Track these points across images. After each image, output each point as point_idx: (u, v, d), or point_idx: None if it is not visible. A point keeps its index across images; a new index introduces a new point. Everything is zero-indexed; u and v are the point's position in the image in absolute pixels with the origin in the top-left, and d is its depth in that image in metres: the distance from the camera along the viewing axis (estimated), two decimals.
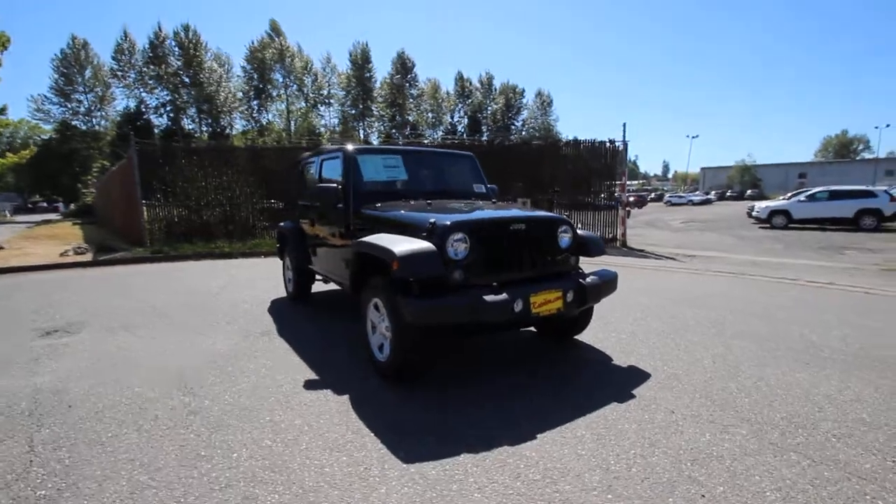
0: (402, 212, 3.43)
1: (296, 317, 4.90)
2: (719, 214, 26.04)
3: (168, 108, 42.28)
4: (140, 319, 4.92)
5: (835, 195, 16.34)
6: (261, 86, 44.17)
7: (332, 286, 5.81)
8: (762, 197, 42.43)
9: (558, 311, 3.06)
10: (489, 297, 2.70)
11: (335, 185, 3.93)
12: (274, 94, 46.00)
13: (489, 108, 62.25)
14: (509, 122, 62.82)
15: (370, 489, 1.95)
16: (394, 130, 54.90)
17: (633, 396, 2.81)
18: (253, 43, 43.65)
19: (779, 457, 2.14)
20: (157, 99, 42.11)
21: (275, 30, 44.65)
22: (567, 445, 2.27)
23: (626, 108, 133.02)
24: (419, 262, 2.74)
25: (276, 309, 5.27)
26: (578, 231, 3.51)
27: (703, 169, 68.62)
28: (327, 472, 2.09)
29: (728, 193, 53.44)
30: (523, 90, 62.83)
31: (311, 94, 49.69)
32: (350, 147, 4.10)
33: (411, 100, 57.40)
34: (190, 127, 43.46)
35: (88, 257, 10.23)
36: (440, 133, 59.80)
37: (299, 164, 5.38)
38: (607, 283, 3.36)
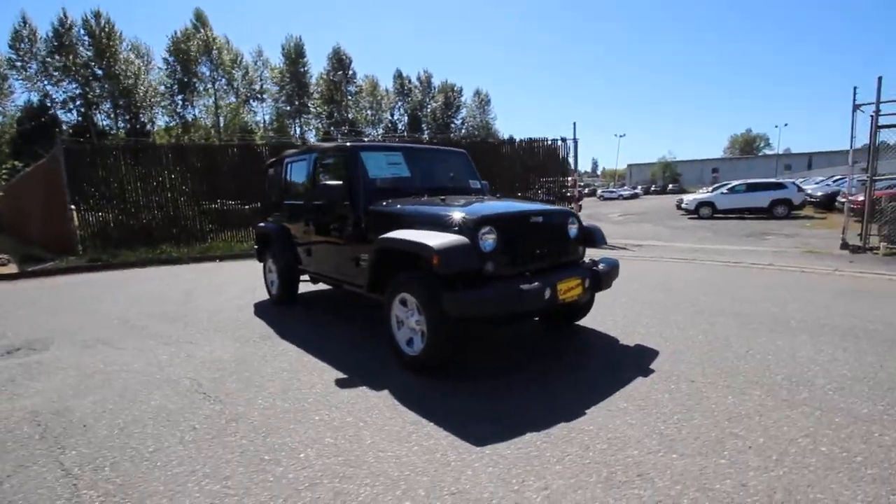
0: (426, 207, 3.47)
1: (288, 320, 4.75)
2: (649, 207, 28.10)
3: (78, 103, 38.22)
4: (113, 333, 4.54)
5: (751, 187, 18.24)
6: (185, 79, 41.13)
7: (317, 287, 5.71)
8: (682, 191, 46.25)
9: (578, 297, 3.27)
10: (525, 287, 2.84)
11: (339, 182, 3.87)
12: (200, 88, 43.04)
13: (429, 106, 62.47)
14: (449, 120, 63.44)
15: (457, 472, 2.02)
16: (332, 128, 53.54)
17: (652, 371, 3.07)
18: (176, 34, 40.54)
19: (795, 410, 2.47)
20: (64, 93, 37.95)
21: (200, 20, 41.74)
22: (616, 417, 2.47)
23: (559, 107, 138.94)
24: (458, 255, 2.82)
25: (264, 313, 5.07)
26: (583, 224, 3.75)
27: (629, 165, 73.39)
28: (406, 461, 2.12)
29: (652, 188, 57.54)
30: (461, 89, 63.72)
31: (241, 89, 47.10)
32: (351, 144, 4.06)
33: (350, 97, 56.26)
34: (104, 123, 39.62)
35: (13, 269, 9.14)
36: (380, 131, 59.18)
37: (281, 163, 5.20)
38: (614, 269, 3.62)
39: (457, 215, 3.05)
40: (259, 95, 49.54)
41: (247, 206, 12.30)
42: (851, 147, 9.26)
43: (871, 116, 8.50)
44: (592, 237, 3.79)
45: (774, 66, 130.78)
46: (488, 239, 3.01)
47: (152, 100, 39.24)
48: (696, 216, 18.68)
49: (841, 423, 2.33)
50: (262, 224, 5.50)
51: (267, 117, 51.39)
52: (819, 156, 52.00)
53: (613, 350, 3.55)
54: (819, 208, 18.82)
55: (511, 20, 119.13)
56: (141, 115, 39.00)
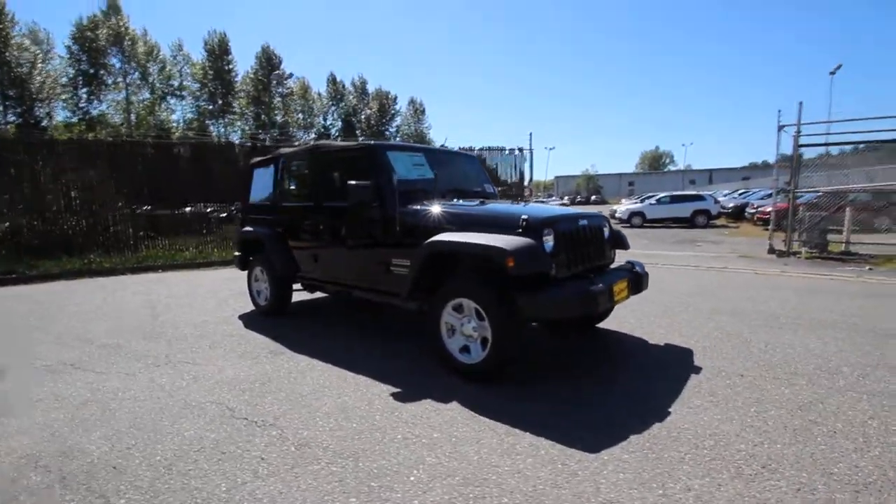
0: (478, 208, 3.36)
1: (290, 331, 4.35)
2: None
3: None
4: (81, 354, 3.89)
5: (675, 199, 20.03)
6: (92, 71, 36.71)
7: (308, 295, 5.33)
8: (604, 202, 49.70)
9: (625, 299, 3.34)
10: (595, 288, 2.84)
11: (367, 183, 3.64)
12: (109, 81, 38.66)
13: (363, 112, 61.54)
14: (383, 127, 62.89)
15: (591, 482, 1.93)
16: (259, 131, 50.80)
17: (700, 368, 3.20)
18: (81, 20, 36.09)
19: (845, 396, 2.70)
20: None
21: (112, 7, 37.54)
22: (701, 414, 2.52)
23: (492, 119, 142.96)
24: (532, 257, 2.75)
25: (257, 325, 4.61)
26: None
27: (556, 177, 77.44)
28: (530, 475, 2.00)
29: (577, 199, 61.21)
30: (396, 97, 63.45)
31: (158, 85, 43.12)
32: (375, 143, 3.84)
33: (279, 98, 53.81)
34: None
35: None
36: (312, 135, 57.23)
37: (275, 163, 4.79)
38: (646, 272, 3.75)
39: (519, 217, 2.98)
40: (178, 92, 45.71)
41: (188, 209, 11.28)
42: (776, 162, 10.48)
43: (794, 136, 9.72)
44: (622, 240, 3.90)
45: (683, 89, 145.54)
46: (549, 241, 2.98)
47: (50, 92, 34.53)
48: (628, 225, 20.10)
49: (888, 404, 2.58)
50: (248, 229, 5.01)
51: (189, 115, 47.51)
52: (718, 172, 58.48)
53: (649, 351, 3.66)
54: (730, 218, 21.11)
55: (443, 32, 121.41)
56: (36, 109, 34.16)
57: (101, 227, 9.98)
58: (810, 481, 1.90)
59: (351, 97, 61.25)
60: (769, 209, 15.75)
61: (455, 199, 3.85)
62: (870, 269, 7.50)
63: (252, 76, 50.63)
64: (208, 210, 11.80)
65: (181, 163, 11.49)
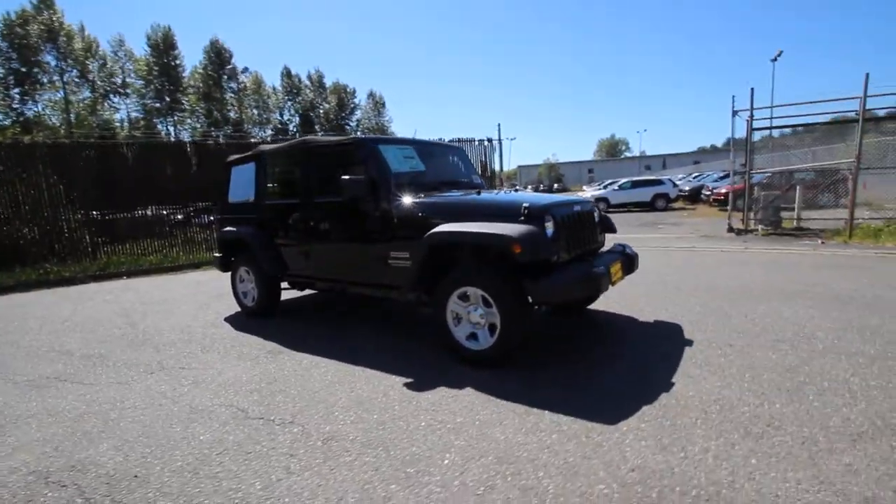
0: (477, 199, 3.41)
1: (284, 330, 4.28)
2: None
3: None
4: (64, 367, 3.69)
5: (636, 184, 20.78)
6: (24, 70, 33.99)
7: (293, 293, 5.26)
8: (565, 189, 50.87)
9: (620, 280, 3.48)
10: (597, 270, 2.96)
11: (361, 177, 3.62)
12: (45, 80, 35.95)
13: (321, 107, 60.14)
14: (343, 121, 61.73)
15: (616, 451, 2.04)
16: (212, 128, 48.79)
17: (691, 340, 3.40)
18: (9, 15, 33.22)
19: (826, 357, 2.94)
20: None
21: (43, 1, 34.76)
22: (702, 382, 2.69)
23: (454, 110, 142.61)
24: (537, 243, 2.83)
25: (248, 327, 4.50)
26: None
27: (519, 167, 78.46)
28: (559, 449, 2.09)
29: (541, 187, 62.37)
30: (355, 90, 62.39)
31: (99, 83, 40.54)
32: (364, 137, 3.81)
33: (231, 94, 51.82)
34: None
35: None
36: (269, 132, 55.49)
37: (258, 160, 4.66)
38: (636, 253, 3.91)
39: (521, 205, 3.05)
40: (121, 90, 43.15)
41: (149, 213, 10.76)
42: (732, 146, 11.08)
43: (747, 121, 10.29)
44: (609, 224, 4.06)
45: (634, 77, 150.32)
46: (549, 227, 3.07)
47: None
48: None
49: (864, 362, 2.84)
50: (229, 229, 4.86)
51: (135, 114, 44.98)
52: (671, 157, 60.89)
53: (640, 328, 3.84)
54: (687, 201, 22.11)
55: (399, 29, 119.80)
56: None
57: (55, 233, 9.38)
58: (812, 434, 2.08)
59: (308, 91, 59.74)
60: (724, 190, 16.66)
61: (449, 191, 3.88)
62: (822, 242, 8.10)
63: (201, 71, 48.48)
64: (166, 213, 11.31)
65: (128, 164, 10.90)
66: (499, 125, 13.58)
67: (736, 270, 5.92)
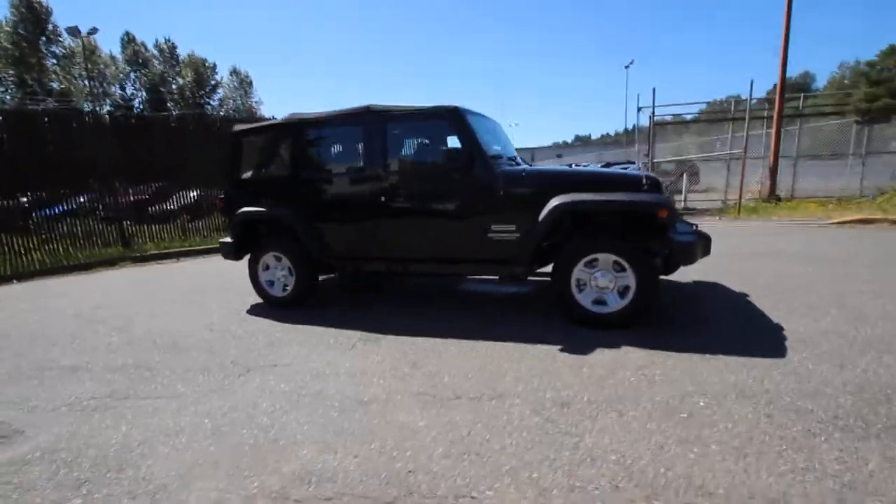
0: (598, 170, 3.58)
1: (343, 316, 3.91)
2: None
3: None
4: (113, 385, 2.91)
5: (606, 166, 22.67)
6: None
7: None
8: None
9: None
10: (707, 234, 3.38)
11: (457, 148, 3.50)
12: None
13: (175, 81, 52.52)
14: (202, 100, 54.81)
15: (794, 375, 2.44)
16: (28, 100, 39.38)
17: (743, 293, 4.05)
18: None
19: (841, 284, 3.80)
20: None
21: None
22: (791, 320, 3.28)
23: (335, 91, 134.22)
24: (673, 209, 3.12)
25: (293, 317, 3.98)
26: None
27: None
28: (757, 377, 2.42)
29: None
30: (215, 65, 55.62)
31: None
32: (451, 106, 3.64)
33: (55, 61, 42.38)
34: None
35: None
36: (108, 107, 46.82)
37: (295, 131, 4.09)
38: None
39: (641, 177, 3.31)
40: None
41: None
42: (637, 140, 12.82)
43: (650, 117, 12.02)
44: None
45: (506, 69, 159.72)
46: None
47: None
48: None
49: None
50: (253, 209, 4.19)
51: None
52: (540, 150, 67.03)
53: (690, 288, 4.40)
54: None
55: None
56: None
57: None
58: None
59: (156, 63, 51.58)
60: None
61: (516, 164, 3.96)
62: (719, 218, 9.95)
63: (8, 30, 38.61)
64: (24, 200, 9.04)
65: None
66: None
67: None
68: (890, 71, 10.10)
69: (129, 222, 9.31)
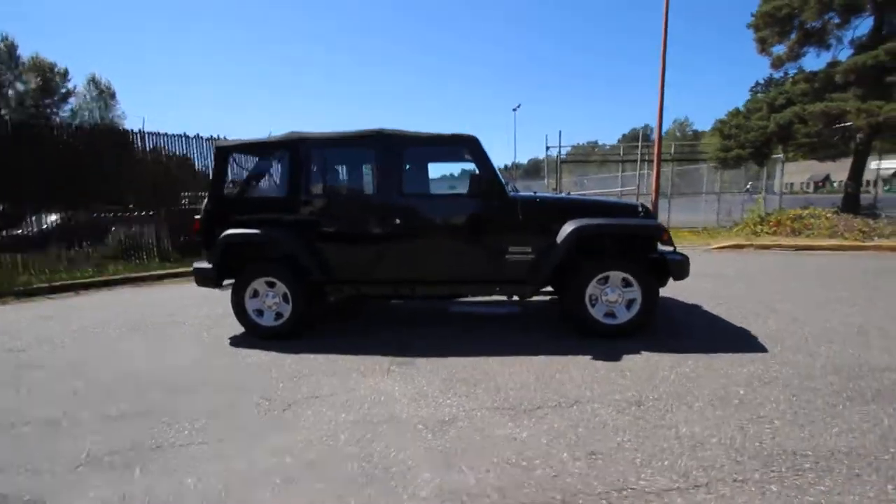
0: (598, 199, 3.96)
1: (361, 341, 3.75)
2: None
3: None
4: (139, 428, 2.43)
5: None
6: None
7: None
8: None
9: None
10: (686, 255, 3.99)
11: (479, 173, 3.70)
12: None
13: (13, 86, 44.29)
14: (50, 109, 46.87)
15: (767, 364, 3.06)
16: None
17: (712, 304, 4.79)
18: None
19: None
20: None
21: None
22: (766, 324, 4.01)
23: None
24: (668, 232, 3.66)
25: (289, 348, 3.71)
26: None
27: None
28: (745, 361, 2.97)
29: None
30: (66, 70, 48.10)
31: None
32: (466, 134, 3.83)
33: None
34: None
35: None
36: None
37: (297, 148, 3.86)
38: None
39: (636, 205, 3.83)
40: None
41: None
42: (546, 175, 14.22)
43: (556, 157, 13.47)
44: None
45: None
46: None
47: None
48: None
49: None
50: (245, 231, 3.81)
51: None
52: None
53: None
54: None
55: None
56: None
57: None
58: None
59: None
60: None
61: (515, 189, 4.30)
62: None
63: None
64: None
65: None
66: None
67: None
68: (737, 128, 12.60)
69: None
